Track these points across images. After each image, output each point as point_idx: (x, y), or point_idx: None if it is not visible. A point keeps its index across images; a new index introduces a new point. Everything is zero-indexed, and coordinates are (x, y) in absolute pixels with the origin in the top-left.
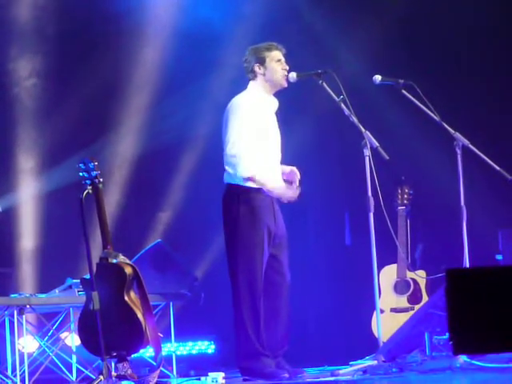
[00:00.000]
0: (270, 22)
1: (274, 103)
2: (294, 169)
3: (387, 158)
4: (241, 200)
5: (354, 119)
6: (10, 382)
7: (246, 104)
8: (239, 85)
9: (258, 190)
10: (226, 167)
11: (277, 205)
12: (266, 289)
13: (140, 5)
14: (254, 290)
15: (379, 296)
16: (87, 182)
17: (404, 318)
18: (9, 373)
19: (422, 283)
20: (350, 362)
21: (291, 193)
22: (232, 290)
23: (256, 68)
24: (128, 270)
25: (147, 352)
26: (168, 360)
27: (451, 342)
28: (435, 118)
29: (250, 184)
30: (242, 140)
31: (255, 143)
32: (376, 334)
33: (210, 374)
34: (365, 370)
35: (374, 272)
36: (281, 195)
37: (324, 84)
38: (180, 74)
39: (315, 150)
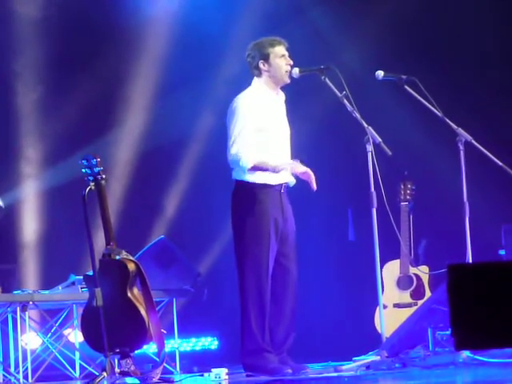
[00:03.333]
0: (271, 18)
1: (280, 97)
2: (309, 171)
3: (390, 153)
4: (248, 195)
5: (357, 115)
6: (13, 378)
7: (245, 104)
8: (241, 82)
9: (265, 185)
10: (231, 165)
11: (286, 200)
12: (271, 284)
13: (142, 5)
14: (260, 284)
15: (382, 291)
16: (90, 178)
17: (407, 313)
18: (12, 369)
19: (425, 279)
20: (353, 358)
21: (299, 166)
22: (239, 284)
23: (260, 65)
24: (131, 267)
25: (150, 348)
26: (171, 356)
27: (454, 338)
28: (438, 113)
29: (256, 178)
30: (242, 138)
31: (255, 139)
32: (379, 330)
33: (213, 370)
34: (368, 366)
35: (376, 267)
36: (290, 170)
37: (327, 80)
38: (182, 72)
39: (318, 146)
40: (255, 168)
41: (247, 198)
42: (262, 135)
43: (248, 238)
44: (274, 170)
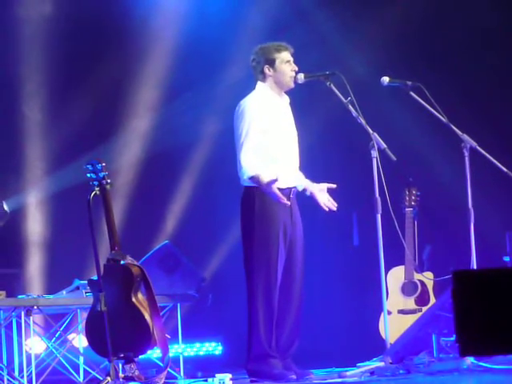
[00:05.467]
0: (276, 23)
1: (285, 100)
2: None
3: (395, 159)
4: (256, 199)
5: (362, 121)
6: (17, 383)
7: (251, 106)
8: (245, 88)
9: None
10: (238, 170)
11: (295, 205)
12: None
13: (147, 9)
14: (269, 290)
15: (387, 297)
16: (95, 183)
17: (411, 319)
18: (16, 374)
19: (430, 285)
20: (358, 364)
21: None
22: (247, 289)
23: (266, 70)
24: (135, 271)
25: (154, 353)
26: (175, 361)
27: (458, 344)
28: (443, 119)
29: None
30: (247, 143)
31: (261, 144)
32: (383, 336)
33: (217, 375)
34: (372, 372)
35: (381, 273)
36: (275, 196)
37: (332, 85)
38: (187, 76)
39: (323, 152)
40: (254, 179)
41: (256, 203)
42: (265, 137)
43: (257, 244)
44: (265, 188)
